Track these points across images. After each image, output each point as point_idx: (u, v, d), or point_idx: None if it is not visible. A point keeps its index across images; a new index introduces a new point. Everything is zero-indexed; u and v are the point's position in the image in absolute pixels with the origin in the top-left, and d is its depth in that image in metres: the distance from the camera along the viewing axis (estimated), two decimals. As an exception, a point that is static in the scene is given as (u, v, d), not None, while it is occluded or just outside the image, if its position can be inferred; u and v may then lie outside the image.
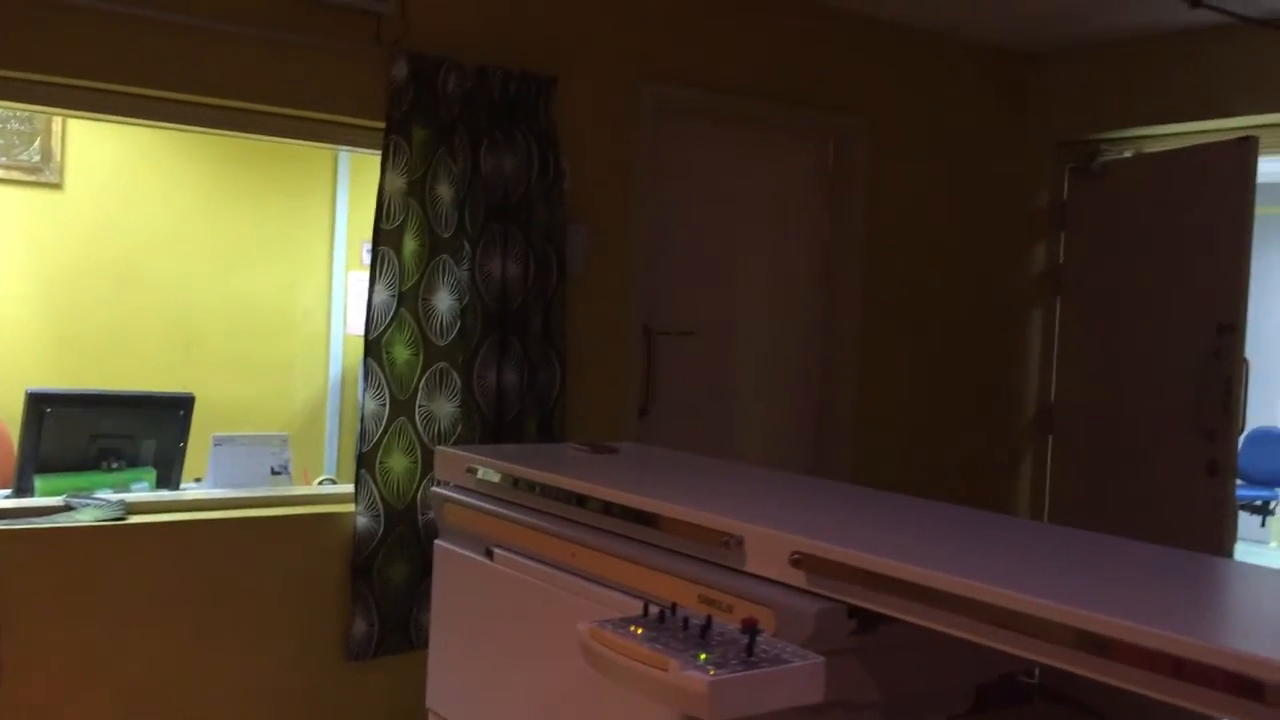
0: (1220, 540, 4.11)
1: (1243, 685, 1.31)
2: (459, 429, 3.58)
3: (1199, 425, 4.19)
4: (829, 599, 1.75)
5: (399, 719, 3.53)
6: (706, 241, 4.35)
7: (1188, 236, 4.30)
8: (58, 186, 4.36)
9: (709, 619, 1.73)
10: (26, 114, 4.18)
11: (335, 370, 4.99)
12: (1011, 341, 5.07)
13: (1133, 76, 4.59)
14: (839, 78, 4.49)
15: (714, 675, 1.55)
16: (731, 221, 4.41)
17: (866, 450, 4.64)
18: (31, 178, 4.33)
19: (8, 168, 4.26)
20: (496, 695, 2.36)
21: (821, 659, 1.62)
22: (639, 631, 1.71)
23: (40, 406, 3.32)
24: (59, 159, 4.37)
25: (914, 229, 4.74)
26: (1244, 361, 4.13)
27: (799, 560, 1.78)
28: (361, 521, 3.49)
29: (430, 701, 2.62)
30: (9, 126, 4.25)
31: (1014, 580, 1.62)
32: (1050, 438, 5.03)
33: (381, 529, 3.51)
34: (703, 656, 1.61)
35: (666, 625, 1.74)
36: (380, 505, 3.50)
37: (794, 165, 4.57)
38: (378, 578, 3.51)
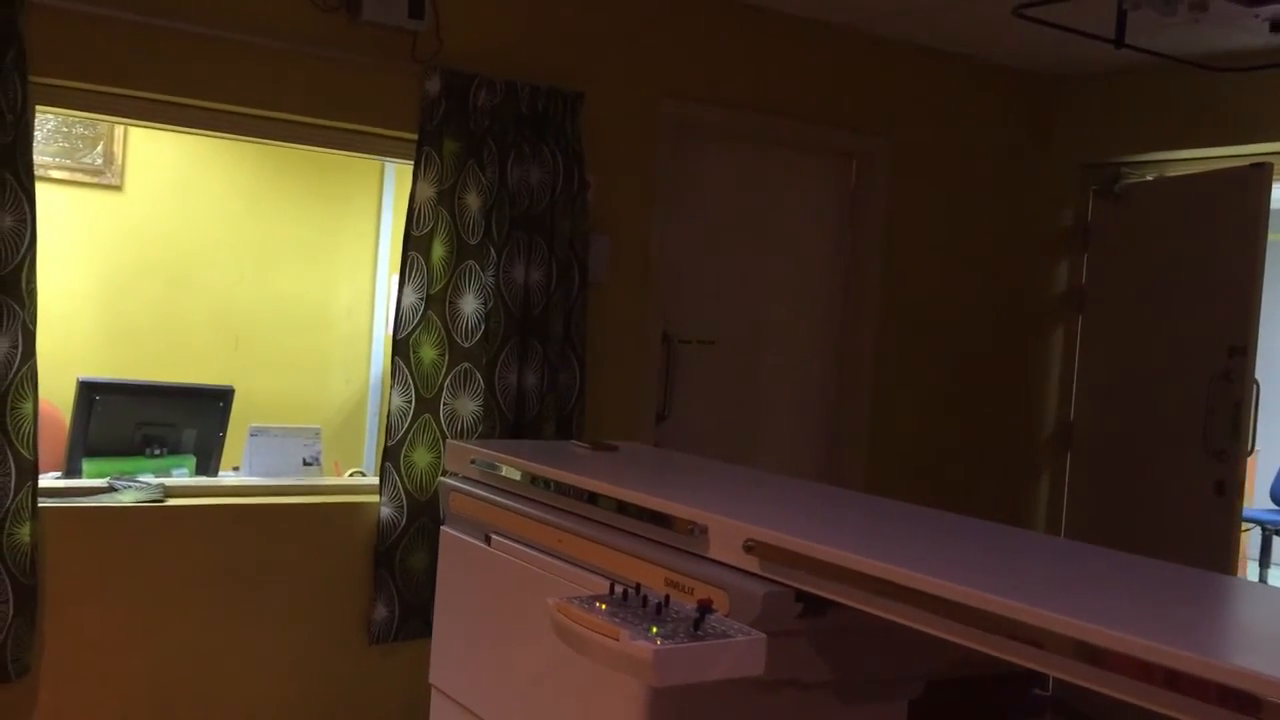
0: (1226, 559, 4.17)
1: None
2: (480, 427, 3.76)
3: (1209, 445, 4.26)
4: (778, 583, 1.90)
5: (415, 699, 3.71)
6: (729, 254, 4.50)
7: (1202, 259, 4.37)
8: (118, 189, 4.62)
9: (667, 598, 1.89)
10: (90, 120, 4.44)
11: (376, 369, 5.20)
12: (1032, 359, 5.15)
13: (1154, 101, 4.67)
14: (862, 98, 4.62)
15: (659, 645, 1.70)
16: (754, 236, 4.56)
17: (882, 463, 4.76)
18: (93, 180, 4.58)
19: (71, 170, 4.52)
20: (491, 671, 2.53)
21: (763, 636, 1.76)
22: (603, 607, 1.87)
23: (90, 394, 3.56)
24: (120, 162, 4.62)
25: (935, 247, 4.85)
26: (1254, 384, 4.19)
27: (752, 547, 1.93)
28: (385, 512, 3.68)
29: (433, 677, 2.80)
30: (74, 131, 4.51)
31: (955, 573, 1.75)
32: (1069, 454, 5.10)
33: (404, 520, 3.70)
34: (654, 630, 1.77)
35: (629, 603, 1.90)
36: (404, 497, 3.69)
37: (816, 182, 4.71)
38: (399, 566, 3.70)
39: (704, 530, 2.04)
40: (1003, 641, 1.62)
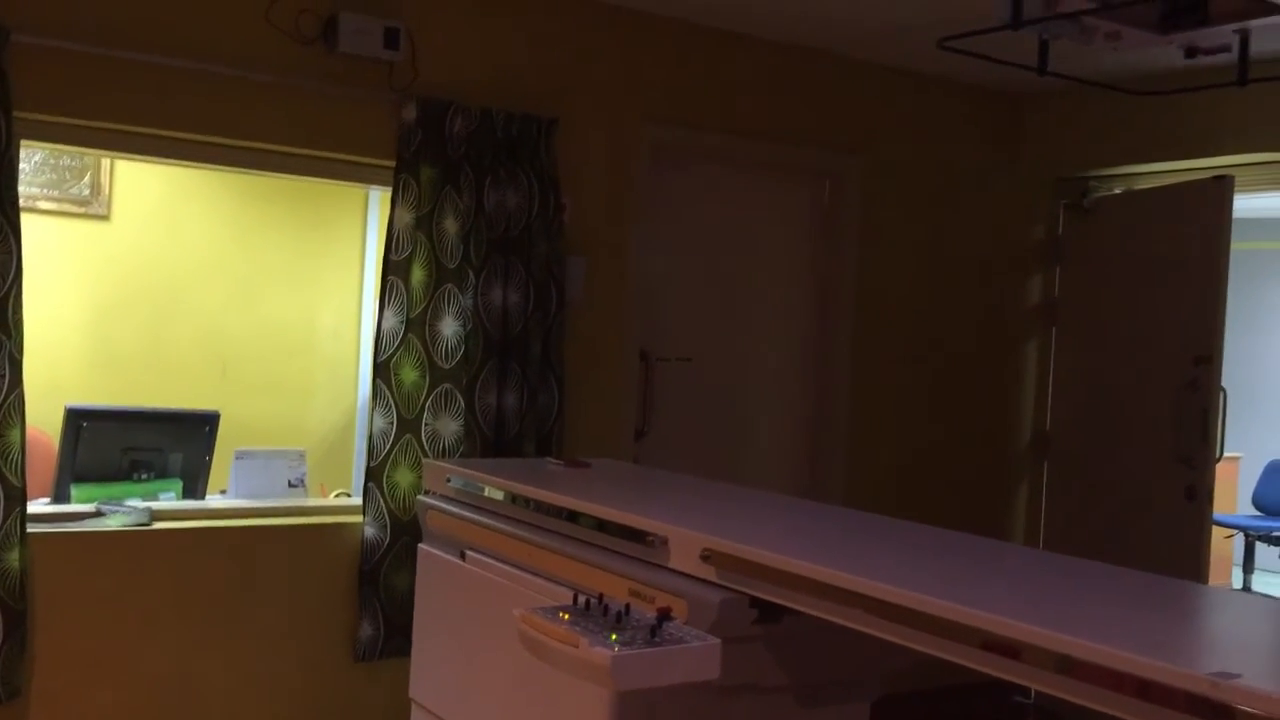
0: (1197, 563, 4.24)
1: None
2: (461, 447, 3.84)
3: (1178, 452, 4.34)
4: (733, 590, 1.97)
5: (400, 716, 3.77)
6: (706, 273, 4.59)
7: (1169, 270, 4.46)
8: (105, 218, 4.70)
9: (627, 606, 1.96)
10: (76, 153, 4.53)
11: (363, 391, 5.27)
12: (1008, 371, 5.24)
13: (1120, 116, 4.76)
14: (834, 118, 4.72)
15: (617, 651, 1.77)
16: (730, 254, 4.65)
17: (861, 476, 4.84)
18: (81, 210, 4.67)
19: (59, 200, 4.61)
20: (467, 683, 2.60)
21: (718, 641, 1.84)
22: (566, 617, 1.95)
23: (78, 421, 3.63)
24: (107, 193, 4.71)
25: (909, 263, 4.95)
26: (1221, 391, 4.27)
27: (708, 556, 2.00)
28: (369, 532, 3.76)
29: (413, 692, 2.87)
30: (61, 162, 4.60)
31: (899, 578, 1.82)
32: (1046, 463, 5.19)
33: (388, 539, 3.77)
34: (613, 637, 1.84)
35: (591, 612, 1.97)
36: (387, 517, 3.77)
37: (790, 201, 4.80)
38: (383, 584, 3.77)
39: (664, 541, 2.12)
40: (948, 643, 1.69)
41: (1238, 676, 1.27)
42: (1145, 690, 1.40)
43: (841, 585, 1.80)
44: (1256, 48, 2.05)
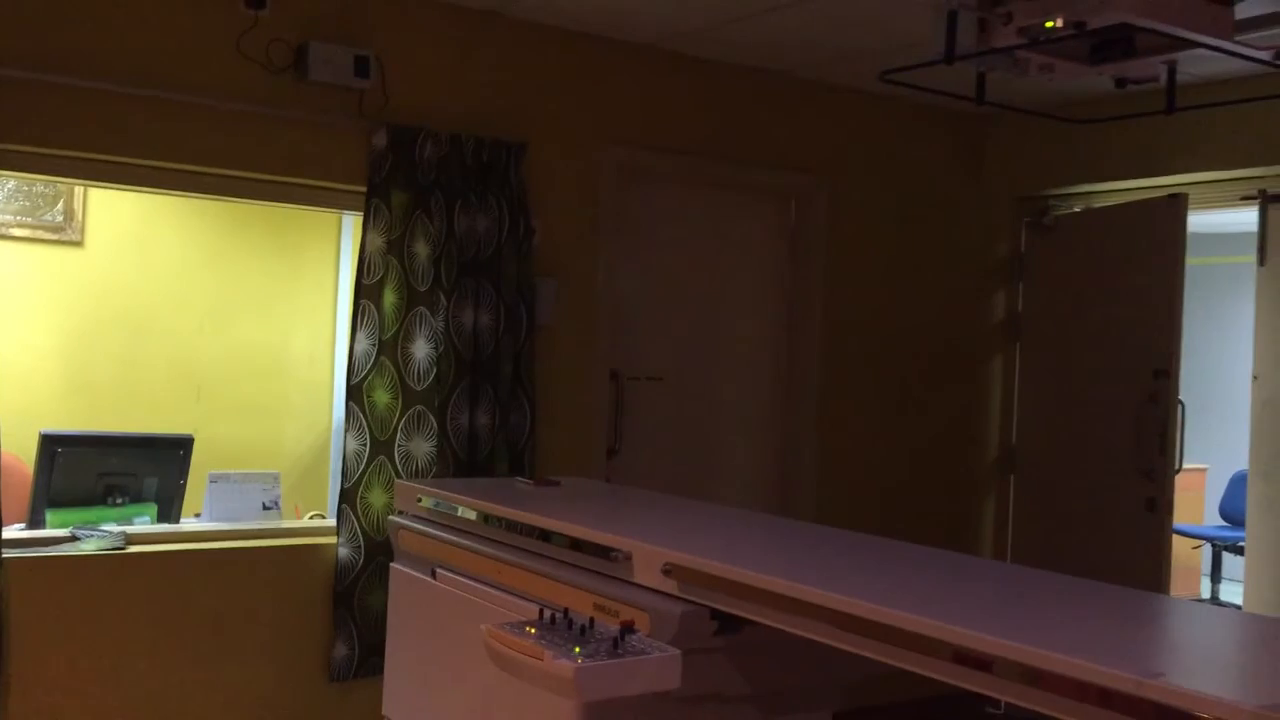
0: (1159, 573, 4.33)
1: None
2: (434, 468, 3.89)
3: (1139, 465, 4.43)
4: (694, 603, 2.04)
5: (375, 735, 3.81)
6: (675, 293, 4.66)
7: (1127, 286, 4.56)
8: (78, 244, 4.73)
9: (591, 620, 2.02)
10: (49, 181, 4.56)
11: (339, 415, 5.31)
12: (974, 387, 5.33)
13: (1080, 136, 4.87)
14: (799, 140, 4.81)
15: (580, 663, 1.83)
16: (698, 275, 4.72)
17: (831, 491, 4.91)
18: (54, 236, 4.70)
19: (33, 227, 4.64)
20: (438, 698, 2.65)
21: (678, 652, 1.90)
22: (532, 631, 2.00)
23: (52, 446, 3.66)
24: (80, 219, 4.74)
25: (875, 281, 5.03)
26: (1179, 404, 4.37)
27: (670, 570, 2.06)
28: (343, 553, 3.80)
29: (385, 709, 2.91)
30: (34, 189, 4.63)
31: (853, 588, 1.89)
32: (1012, 477, 5.27)
33: (362, 559, 3.81)
34: (577, 650, 1.90)
35: (556, 626, 2.03)
36: (361, 538, 3.81)
37: (757, 222, 4.88)
38: (358, 604, 3.81)
39: (628, 556, 2.18)
40: (908, 654, 1.75)
41: (1161, 675, 1.34)
42: (1108, 699, 1.43)
43: (799, 597, 1.86)
44: (1195, 71, 2.13)
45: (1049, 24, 1.71)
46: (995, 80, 2.12)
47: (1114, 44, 1.84)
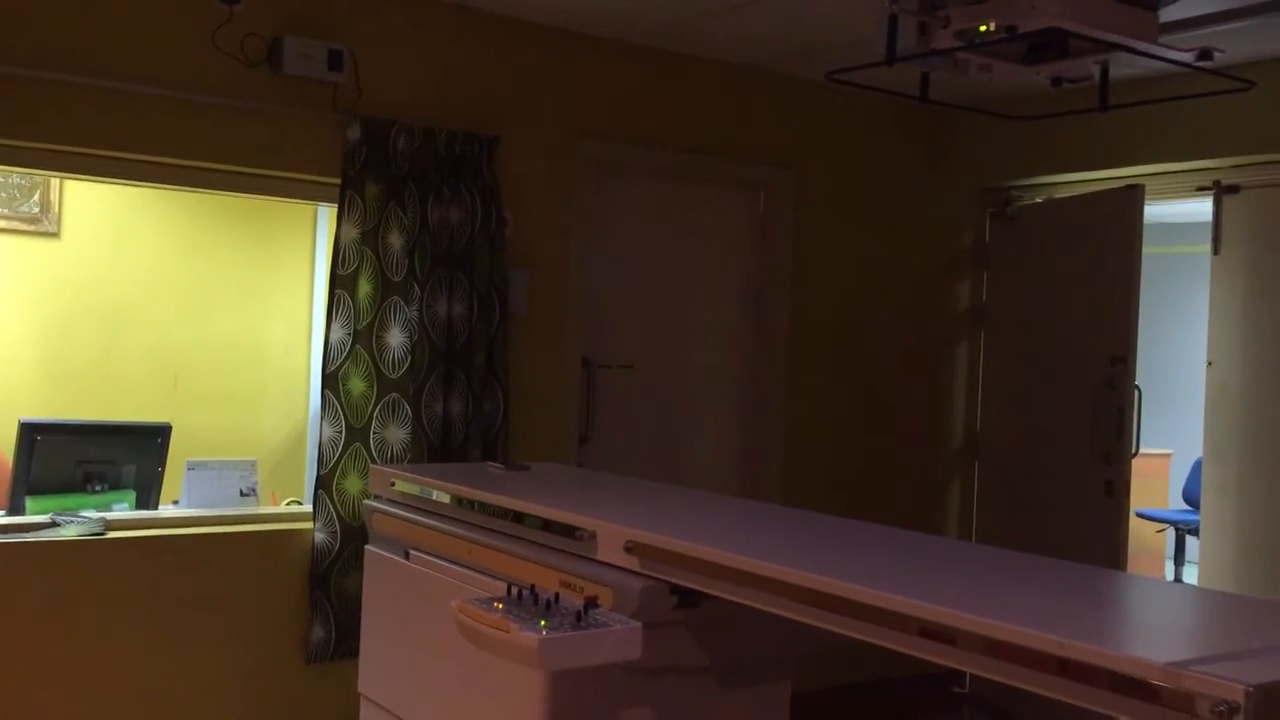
0: (1115, 554, 4.45)
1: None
2: (409, 455, 3.97)
3: (1097, 449, 4.55)
4: (655, 579, 2.13)
5: (351, 716, 3.89)
6: (646, 283, 4.75)
7: (1087, 275, 4.68)
8: (55, 235, 4.78)
9: (557, 595, 2.11)
10: (25, 173, 4.61)
11: (315, 403, 5.38)
12: (941, 374, 5.45)
13: (1042, 128, 4.98)
14: (767, 132, 4.90)
15: (544, 635, 1.92)
16: (669, 264, 4.81)
17: (798, 477, 5.01)
18: (31, 228, 4.74)
19: (9, 219, 4.69)
20: (412, 675, 2.74)
21: (638, 624, 1.99)
22: (499, 606, 2.09)
23: (32, 434, 3.72)
24: (57, 210, 4.79)
25: (842, 270, 5.14)
26: (1136, 390, 4.49)
27: (631, 548, 2.16)
28: (320, 538, 3.88)
29: (361, 687, 3.00)
30: (10, 180, 4.68)
31: (804, 562, 1.98)
32: (977, 463, 5.39)
33: (338, 544, 3.89)
34: (542, 623, 1.99)
35: (523, 601, 2.12)
36: (337, 523, 3.89)
37: (726, 213, 4.98)
38: (334, 588, 3.89)
39: (592, 535, 2.27)
40: (856, 623, 1.84)
41: (1080, 642, 1.44)
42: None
43: (753, 571, 1.96)
44: (1138, 67, 2.24)
45: (982, 28, 1.81)
46: (944, 78, 2.21)
47: (1048, 46, 1.93)
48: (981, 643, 1.60)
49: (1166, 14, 1.91)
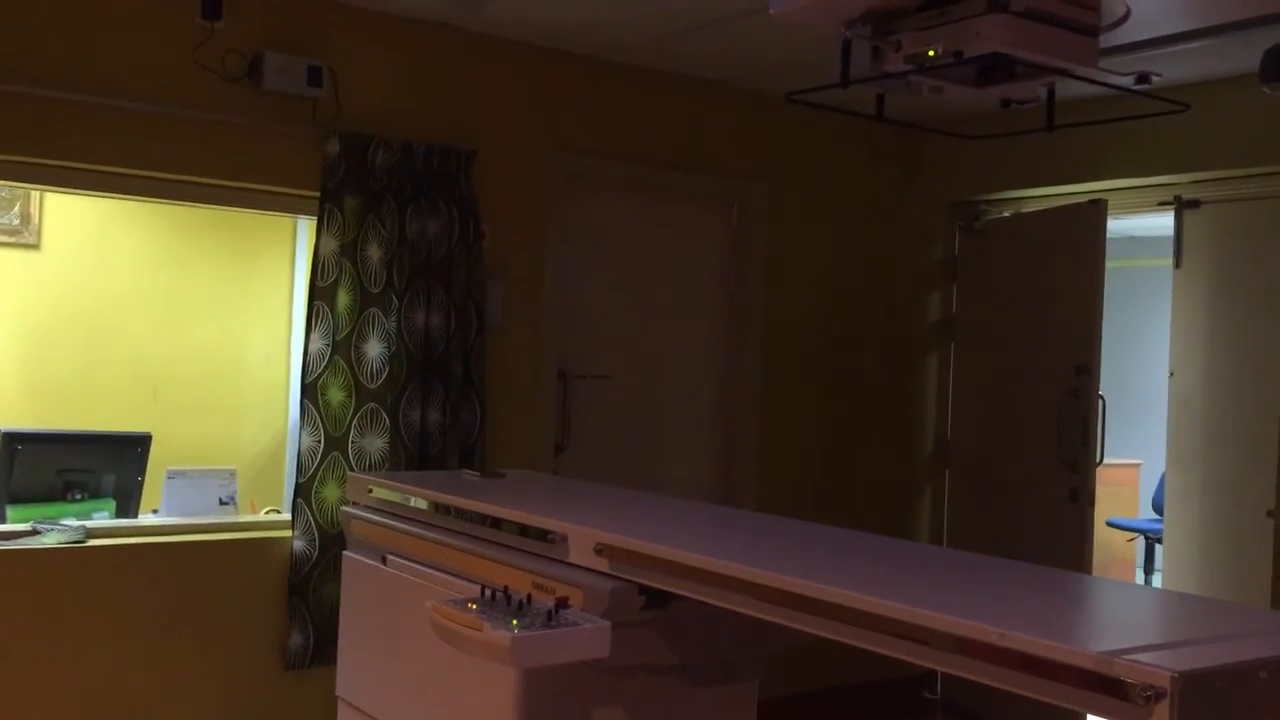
0: (1080, 559, 4.55)
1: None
2: (387, 464, 4.03)
3: (1062, 457, 4.65)
4: (624, 580, 2.20)
5: (330, 721, 3.95)
6: (621, 295, 4.83)
7: (1053, 287, 4.79)
8: (35, 247, 4.81)
9: (529, 596, 2.18)
10: (6, 186, 4.65)
11: (295, 413, 5.43)
12: (912, 384, 5.54)
13: (1010, 144, 5.08)
14: (740, 147, 4.99)
15: (516, 633, 1.99)
16: (644, 277, 4.90)
17: (772, 486, 5.09)
18: (11, 239, 4.78)
19: (-10, 231, 4.72)
20: (389, 677, 2.80)
21: (607, 623, 2.06)
22: (473, 607, 2.16)
23: (13, 444, 3.77)
24: (37, 222, 4.82)
25: (815, 282, 5.23)
26: (1100, 399, 4.59)
27: (601, 550, 2.23)
28: (298, 545, 3.93)
29: (339, 690, 3.06)
30: (-9, 194, 4.72)
31: (766, 562, 2.06)
32: (948, 471, 5.49)
33: (316, 552, 3.95)
34: (514, 622, 2.06)
35: (496, 602, 2.19)
36: (315, 531, 3.94)
37: (699, 226, 5.07)
38: (313, 595, 3.94)
39: (564, 538, 2.34)
40: (821, 621, 1.91)
41: (1016, 633, 1.52)
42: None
43: (718, 571, 2.04)
44: (1087, 89, 2.34)
45: (931, 52, 1.90)
46: (902, 98, 2.31)
47: (996, 69, 2.03)
48: (927, 634, 1.67)
49: (1114, 38, 2.00)
